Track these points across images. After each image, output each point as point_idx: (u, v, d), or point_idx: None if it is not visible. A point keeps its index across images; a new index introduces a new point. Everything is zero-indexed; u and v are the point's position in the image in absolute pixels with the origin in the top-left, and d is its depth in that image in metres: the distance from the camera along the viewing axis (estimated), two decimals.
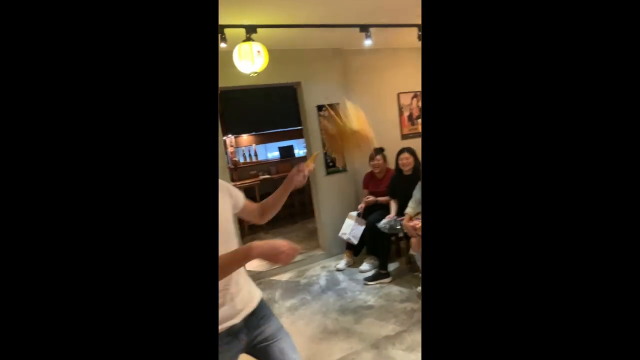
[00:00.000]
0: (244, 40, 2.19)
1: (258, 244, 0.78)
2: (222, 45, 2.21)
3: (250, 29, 2.20)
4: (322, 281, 2.75)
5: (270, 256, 0.78)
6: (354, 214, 2.86)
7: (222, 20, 2.11)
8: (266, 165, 5.32)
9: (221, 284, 0.88)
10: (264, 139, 5.92)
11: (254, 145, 5.68)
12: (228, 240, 0.96)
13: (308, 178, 1.09)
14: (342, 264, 2.95)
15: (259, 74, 2.31)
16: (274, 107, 3.77)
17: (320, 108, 3.08)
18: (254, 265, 3.12)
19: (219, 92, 2.82)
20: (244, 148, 5.63)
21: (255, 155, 5.52)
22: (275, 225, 4.44)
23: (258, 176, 4.92)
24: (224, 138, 5.51)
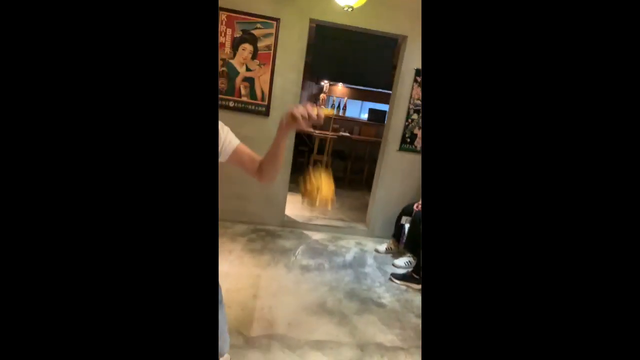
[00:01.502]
0: None
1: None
2: None
3: None
4: (349, 256, 2.55)
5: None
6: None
7: None
8: (351, 124, 5.06)
9: None
10: (359, 95, 5.58)
11: (346, 98, 5.42)
12: None
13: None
14: (383, 247, 2.69)
15: (354, 9, 1.99)
16: (370, 61, 3.34)
17: (418, 72, 2.63)
18: (295, 213, 3.07)
19: (314, 25, 2.58)
20: (334, 98, 5.42)
21: (344, 109, 5.28)
22: (337, 186, 4.29)
23: (338, 131, 4.73)
24: (324, 83, 5.35)
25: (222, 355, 1.00)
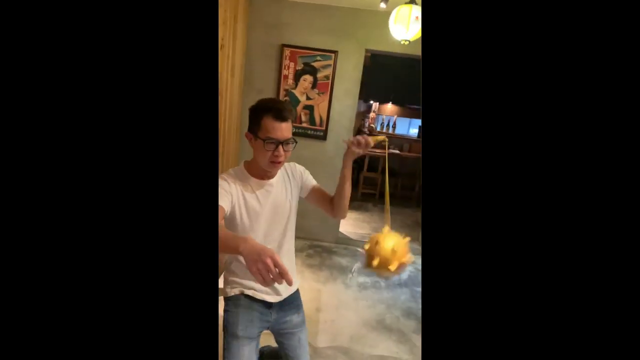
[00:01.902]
0: (406, 3, 2.01)
1: (251, 243, 0.67)
2: (382, 5, 2.10)
3: None
4: (404, 275, 2.60)
5: (249, 262, 0.64)
6: None
7: None
8: (400, 140, 5.11)
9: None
10: (407, 113, 5.64)
11: (395, 116, 5.50)
12: (286, 226, 1.04)
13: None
14: None
15: (410, 42, 2.12)
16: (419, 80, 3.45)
17: None
18: (348, 230, 3.20)
19: (369, 54, 2.76)
20: (384, 117, 5.52)
21: (394, 127, 5.36)
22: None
23: (388, 148, 4.81)
24: (371, 102, 5.51)
25: None
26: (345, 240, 3.04)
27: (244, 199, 0.95)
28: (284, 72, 2.72)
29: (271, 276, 0.62)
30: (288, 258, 1.07)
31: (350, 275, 2.49)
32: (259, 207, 0.97)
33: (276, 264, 0.62)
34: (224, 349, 0.97)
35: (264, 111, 0.90)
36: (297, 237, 3.18)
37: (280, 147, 0.91)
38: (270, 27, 2.66)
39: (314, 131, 2.81)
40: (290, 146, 0.94)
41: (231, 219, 0.96)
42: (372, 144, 0.94)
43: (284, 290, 1.04)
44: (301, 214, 3.17)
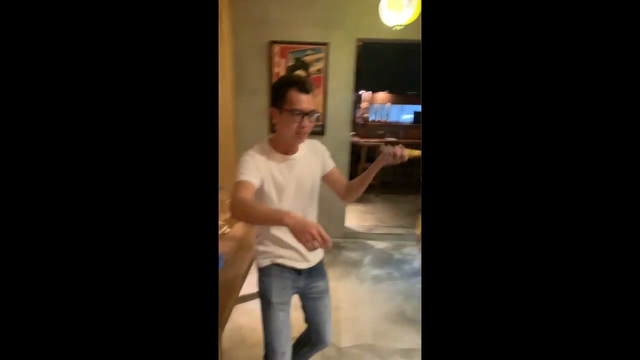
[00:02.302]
0: None
1: (294, 215, 0.75)
2: None
3: None
4: (417, 263, 2.58)
5: (297, 232, 0.73)
6: None
7: None
8: (396, 128, 5.07)
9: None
10: (400, 100, 5.58)
11: (388, 104, 5.44)
12: (310, 199, 1.08)
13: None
14: None
15: (404, 27, 2.07)
16: (414, 67, 3.38)
17: None
18: (354, 223, 3.16)
19: (360, 43, 2.69)
20: (377, 105, 5.47)
21: (387, 115, 5.31)
22: (388, 191, 4.33)
23: (384, 137, 4.77)
24: (361, 92, 5.45)
25: (327, 345, 1.16)
26: (353, 234, 3.01)
27: (270, 172, 0.99)
28: (275, 69, 2.64)
29: (316, 243, 0.71)
30: None
31: (363, 268, 2.46)
32: (284, 180, 1.01)
33: (320, 233, 0.72)
34: (262, 316, 1.06)
35: (289, 85, 0.95)
36: None
37: (306, 117, 0.95)
38: (256, 23, 2.58)
39: None
40: (314, 117, 0.98)
41: (260, 193, 0.99)
42: (406, 158, 0.95)
43: (313, 257, 1.10)
44: None
